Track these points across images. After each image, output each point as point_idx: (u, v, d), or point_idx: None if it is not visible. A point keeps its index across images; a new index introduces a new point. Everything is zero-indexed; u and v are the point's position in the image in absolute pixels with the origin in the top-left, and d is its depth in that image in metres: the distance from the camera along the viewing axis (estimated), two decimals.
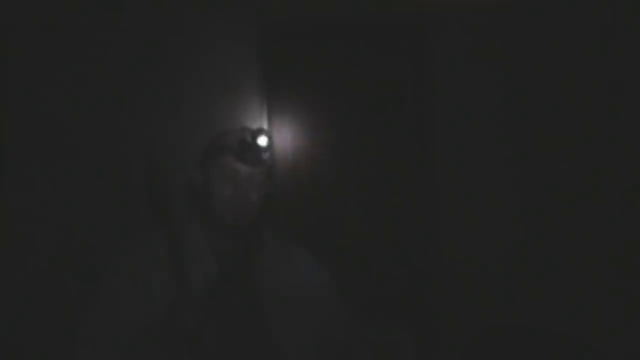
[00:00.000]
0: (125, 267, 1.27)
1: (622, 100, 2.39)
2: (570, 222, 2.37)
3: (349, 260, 2.43)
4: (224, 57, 2.40)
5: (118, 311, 1.23)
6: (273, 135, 2.46)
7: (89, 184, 2.30)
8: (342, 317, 1.37)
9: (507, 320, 2.33)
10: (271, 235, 1.39)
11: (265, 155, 1.29)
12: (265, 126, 2.43)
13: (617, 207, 2.37)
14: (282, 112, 2.49)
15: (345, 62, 2.51)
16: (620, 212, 2.37)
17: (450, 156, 2.43)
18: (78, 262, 2.21)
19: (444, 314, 2.41)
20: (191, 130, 2.32)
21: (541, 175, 2.40)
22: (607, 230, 2.36)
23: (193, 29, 2.39)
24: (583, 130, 2.39)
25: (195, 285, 1.21)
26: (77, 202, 2.29)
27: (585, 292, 2.33)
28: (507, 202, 2.39)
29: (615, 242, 2.36)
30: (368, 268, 2.45)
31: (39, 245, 2.26)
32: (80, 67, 2.34)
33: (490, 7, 2.41)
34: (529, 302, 2.33)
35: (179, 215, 1.28)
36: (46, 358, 2.09)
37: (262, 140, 1.27)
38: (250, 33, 2.41)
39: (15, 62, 2.34)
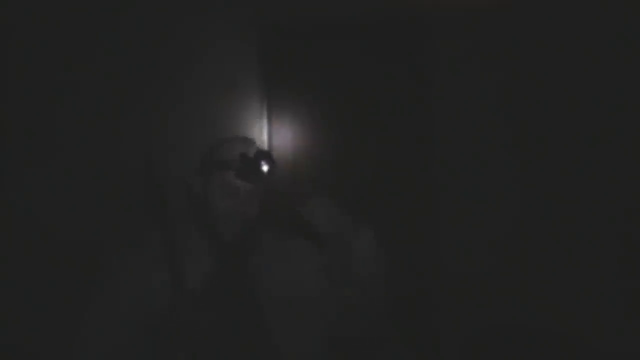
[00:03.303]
0: (123, 267, 1.27)
1: (622, 100, 2.39)
2: (570, 222, 2.37)
3: None
4: (224, 57, 2.41)
5: (116, 311, 1.22)
6: (273, 135, 2.47)
7: (88, 184, 2.30)
8: (340, 315, 1.36)
9: (507, 320, 2.33)
10: (269, 234, 1.38)
11: (267, 171, 1.27)
12: (265, 126, 2.44)
13: (617, 207, 2.36)
14: (282, 112, 2.49)
15: (345, 62, 2.51)
16: (621, 212, 2.36)
17: (450, 156, 2.43)
18: (76, 261, 2.21)
19: (444, 314, 2.40)
20: (191, 130, 2.32)
21: (541, 175, 2.40)
22: (607, 230, 2.36)
23: (193, 29, 2.39)
24: (583, 130, 2.39)
25: (192, 285, 1.21)
26: (76, 202, 2.29)
27: (585, 292, 2.32)
28: (507, 202, 2.39)
29: (615, 242, 2.35)
30: None
31: (38, 244, 2.26)
32: (80, 67, 2.34)
33: (490, 6, 2.41)
34: (529, 302, 2.32)
35: (177, 215, 1.28)
36: (45, 357, 2.09)
37: (265, 167, 1.25)
38: (250, 33, 2.41)
39: (15, 62, 2.34)
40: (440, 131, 2.44)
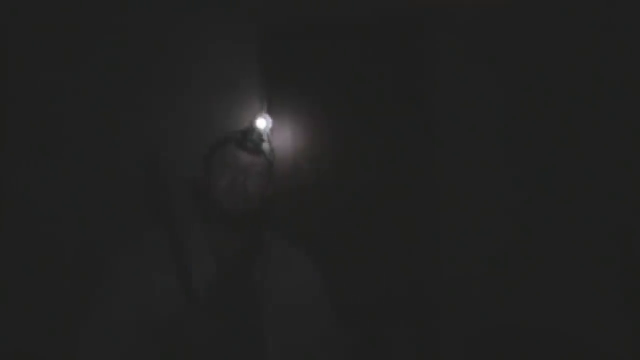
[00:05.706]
0: (127, 268, 1.27)
1: (622, 99, 2.39)
2: (570, 221, 2.37)
3: (349, 261, 2.43)
4: (224, 56, 2.41)
5: (119, 312, 1.22)
6: (273, 135, 2.46)
7: (90, 183, 2.30)
8: (339, 320, 1.37)
9: (506, 320, 2.33)
10: (271, 237, 1.38)
11: (265, 145, 1.30)
12: None
13: (617, 207, 2.37)
14: (282, 112, 2.49)
15: (345, 62, 2.51)
16: (621, 212, 2.37)
17: (450, 156, 2.43)
18: (79, 262, 2.21)
19: (444, 314, 2.41)
20: (191, 129, 2.32)
21: (541, 175, 2.40)
22: (607, 230, 2.36)
23: (193, 29, 2.39)
24: (583, 129, 2.39)
25: (195, 286, 1.21)
26: (78, 201, 2.29)
27: (585, 292, 2.33)
28: (507, 202, 2.39)
29: (615, 242, 2.36)
30: (368, 268, 2.45)
31: (40, 245, 2.26)
32: (80, 67, 2.34)
33: (491, 5, 2.41)
34: (528, 302, 2.33)
35: (180, 216, 1.28)
36: (47, 358, 2.09)
37: (261, 123, 1.29)
38: (250, 33, 2.41)
39: (15, 62, 2.34)
40: (440, 131, 2.44)
